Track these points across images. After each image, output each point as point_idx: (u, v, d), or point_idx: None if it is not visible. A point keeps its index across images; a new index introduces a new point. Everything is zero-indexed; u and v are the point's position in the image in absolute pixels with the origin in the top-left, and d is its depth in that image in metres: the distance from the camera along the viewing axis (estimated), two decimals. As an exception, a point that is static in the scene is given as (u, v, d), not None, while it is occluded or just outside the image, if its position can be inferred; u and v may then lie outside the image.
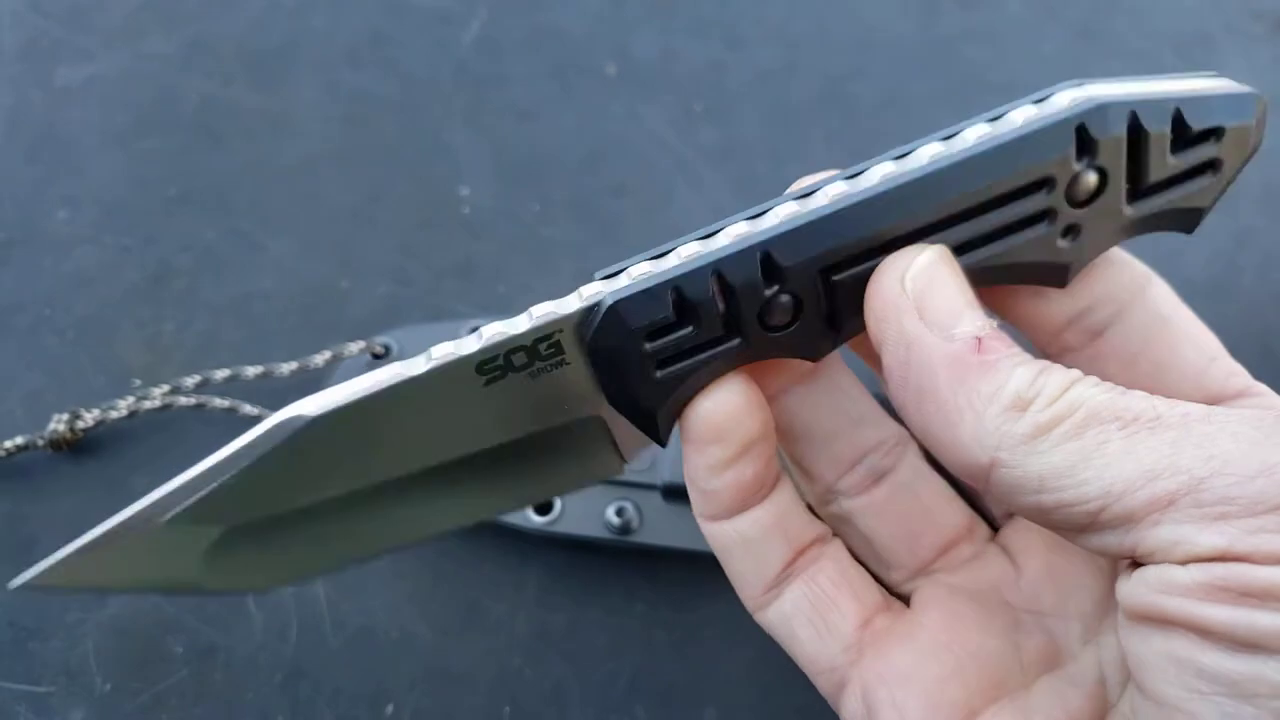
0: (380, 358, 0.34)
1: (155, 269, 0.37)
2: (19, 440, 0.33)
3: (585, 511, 0.31)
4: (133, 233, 0.38)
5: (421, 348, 0.34)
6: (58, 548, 0.33)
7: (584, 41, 0.43)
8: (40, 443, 0.33)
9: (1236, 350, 0.37)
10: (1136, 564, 0.18)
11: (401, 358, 0.34)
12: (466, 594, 0.32)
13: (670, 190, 0.40)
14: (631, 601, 0.32)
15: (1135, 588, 0.18)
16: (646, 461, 0.32)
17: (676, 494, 0.31)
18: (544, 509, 0.32)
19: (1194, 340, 0.23)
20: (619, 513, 0.31)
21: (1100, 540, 0.18)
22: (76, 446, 0.34)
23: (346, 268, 0.37)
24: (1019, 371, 0.19)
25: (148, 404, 0.33)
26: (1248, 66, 0.44)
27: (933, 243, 0.20)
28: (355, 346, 0.34)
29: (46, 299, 0.37)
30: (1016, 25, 0.45)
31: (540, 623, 0.32)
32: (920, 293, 0.20)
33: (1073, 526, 0.18)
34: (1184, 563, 0.17)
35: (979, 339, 0.19)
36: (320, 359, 0.34)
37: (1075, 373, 0.19)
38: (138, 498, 0.33)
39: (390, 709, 0.31)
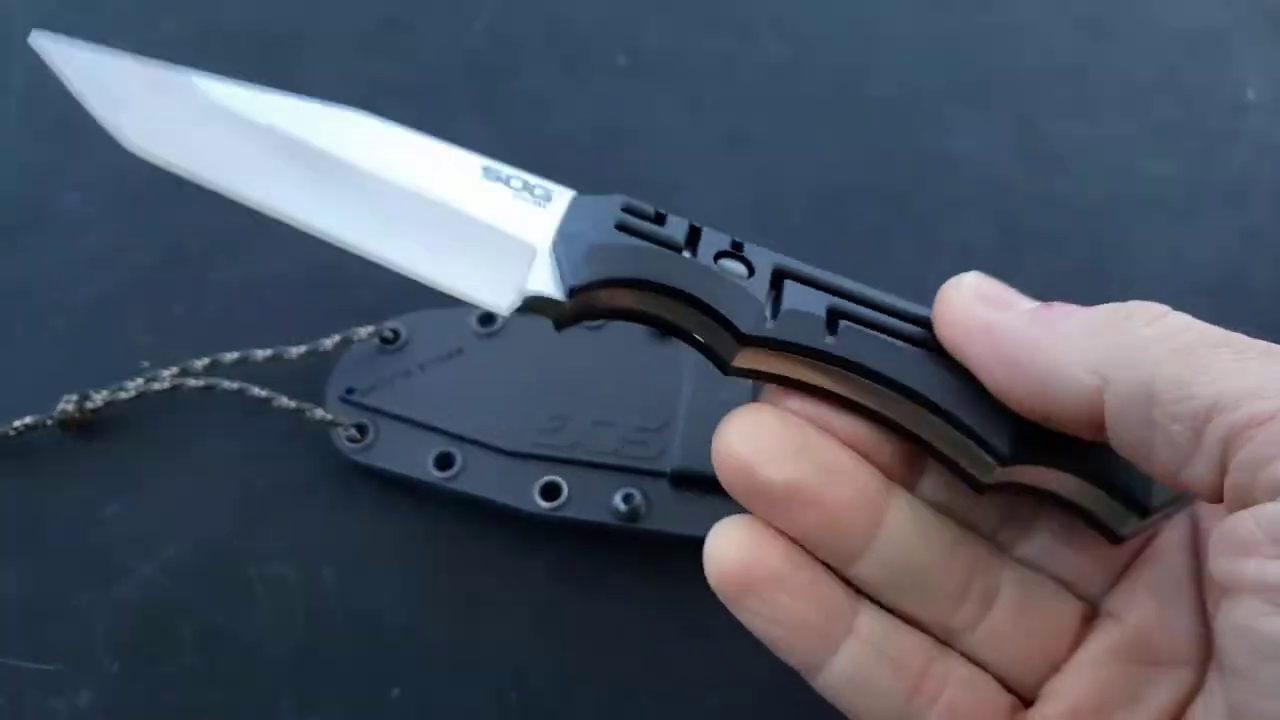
0: (389, 342, 0.34)
1: (165, 252, 0.38)
2: (28, 420, 0.33)
3: (592, 498, 0.32)
4: (143, 216, 0.38)
5: (431, 333, 0.34)
6: (66, 526, 0.33)
7: (595, 32, 0.44)
8: (49, 423, 0.33)
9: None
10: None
11: (411, 342, 0.34)
12: (473, 580, 0.32)
13: (681, 182, 0.40)
14: (638, 589, 0.32)
15: (1225, 535, 0.18)
16: (655, 449, 0.32)
17: (685, 481, 0.31)
18: (551, 494, 0.32)
19: None
20: (626, 499, 0.31)
21: (1199, 471, 0.18)
22: (85, 427, 0.34)
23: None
24: (1103, 306, 0.20)
25: (157, 385, 0.33)
26: (1258, 65, 0.44)
27: None
28: (365, 331, 0.34)
29: (57, 280, 0.37)
30: (1026, 22, 0.45)
31: (546, 609, 0.32)
32: (980, 293, 0.21)
33: (1178, 454, 0.18)
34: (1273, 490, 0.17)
35: (1043, 305, 0.21)
36: (330, 342, 0.34)
37: (1161, 307, 0.20)
38: (146, 478, 0.34)
39: (396, 693, 0.31)
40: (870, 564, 0.22)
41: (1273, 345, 0.18)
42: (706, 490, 0.31)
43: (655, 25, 0.44)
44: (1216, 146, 0.42)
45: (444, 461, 0.32)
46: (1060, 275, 0.39)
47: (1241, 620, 0.17)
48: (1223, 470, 0.18)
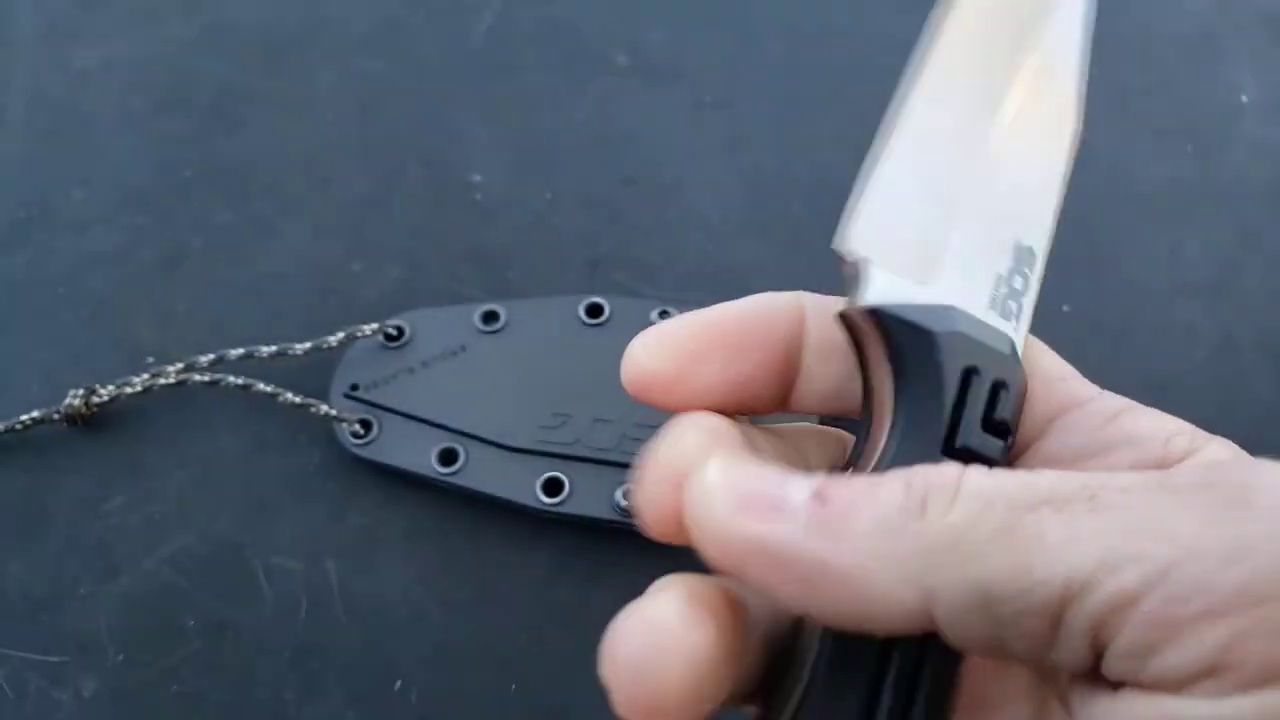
0: (393, 339, 0.35)
1: (170, 249, 0.38)
2: (35, 414, 0.34)
3: (594, 493, 0.32)
4: (148, 213, 0.39)
5: (435, 330, 0.35)
6: (71, 519, 0.33)
7: (596, 32, 0.44)
8: (55, 417, 0.34)
9: (1239, 351, 0.38)
10: (1113, 682, 0.16)
11: (415, 339, 0.34)
12: (475, 573, 0.33)
13: (680, 181, 0.41)
14: (639, 583, 0.32)
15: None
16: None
17: (684, 477, 0.32)
18: (553, 490, 0.32)
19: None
20: (627, 495, 0.32)
21: (1066, 658, 0.15)
22: (91, 421, 0.34)
23: (360, 251, 0.38)
24: (886, 491, 0.16)
25: (163, 380, 0.34)
26: (1254, 69, 0.44)
27: None
28: (369, 328, 0.34)
29: (63, 277, 0.37)
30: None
31: (548, 603, 0.32)
32: (733, 495, 0.17)
33: (1036, 644, 0.15)
34: (1168, 684, 0.15)
35: (816, 494, 0.16)
36: (334, 339, 0.34)
37: (951, 465, 0.16)
38: (151, 472, 0.34)
39: (399, 685, 0.31)
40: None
41: (1093, 483, 0.16)
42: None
43: (656, 25, 0.44)
44: (1211, 150, 0.42)
45: (447, 457, 0.33)
46: (1057, 278, 0.39)
47: None
48: (1095, 653, 0.15)
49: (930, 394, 0.18)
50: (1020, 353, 0.20)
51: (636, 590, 0.33)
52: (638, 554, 0.33)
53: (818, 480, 0.17)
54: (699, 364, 0.20)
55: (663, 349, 0.20)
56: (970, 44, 0.22)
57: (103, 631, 0.32)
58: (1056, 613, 0.15)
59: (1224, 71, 0.45)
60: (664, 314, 0.34)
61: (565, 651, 0.32)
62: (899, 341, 0.19)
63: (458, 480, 0.32)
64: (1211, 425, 0.37)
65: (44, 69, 0.42)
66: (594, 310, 0.35)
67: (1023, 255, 0.21)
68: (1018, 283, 0.20)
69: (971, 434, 0.18)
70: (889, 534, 0.16)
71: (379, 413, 0.33)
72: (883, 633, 0.16)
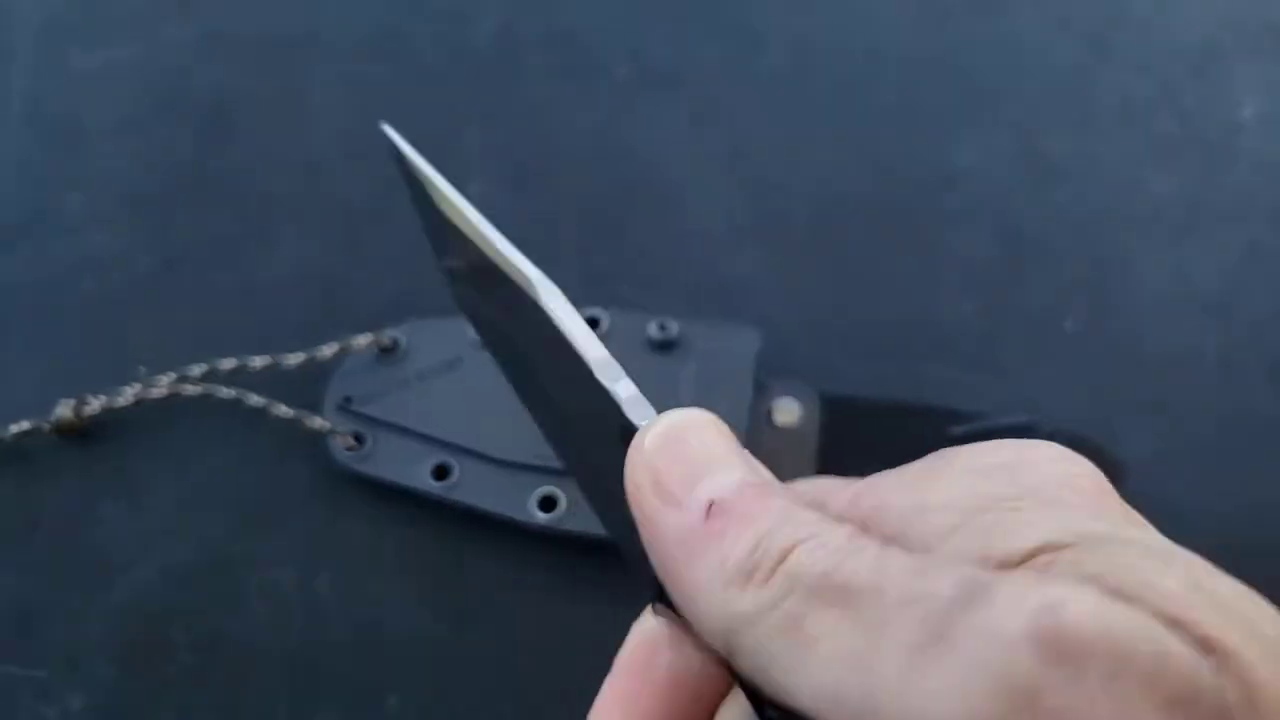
0: (388, 351, 0.34)
1: (166, 256, 0.38)
2: (25, 425, 0.33)
3: (589, 509, 0.31)
4: (144, 219, 0.38)
5: (430, 343, 0.34)
6: (61, 531, 0.33)
7: (598, 42, 0.44)
8: (46, 428, 0.33)
9: (1242, 367, 0.38)
10: None
11: (410, 352, 0.34)
12: (471, 589, 0.32)
13: (681, 192, 0.40)
14: (635, 601, 0.32)
15: None
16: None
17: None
18: (548, 506, 0.32)
19: None
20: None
21: None
22: (82, 432, 0.34)
23: (356, 261, 0.38)
24: (744, 538, 0.15)
25: (154, 392, 0.33)
26: (1258, 80, 0.44)
27: None
28: (363, 340, 0.34)
29: (56, 283, 0.37)
30: (1027, 35, 0.46)
31: (544, 619, 0.32)
32: (651, 464, 0.17)
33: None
34: None
35: (710, 504, 0.16)
36: (328, 350, 0.34)
37: (810, 528, 0.15)
38: (141, 484, 0.34)
39: (393, 700, 0.31)
40: None
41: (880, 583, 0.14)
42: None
43: (658, 35, 0.44)
44: (1215, 163, 0.42)
45: (441, 471, 0.32)
46: (1060, 290, 0.39)
47: None
48: None
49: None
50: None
51: (630, 608, 0.33)
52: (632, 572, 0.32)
53: (737, 482, 0.16)
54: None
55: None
56: None
57: (93, 645, 0.31)
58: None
59: (1228, 86, 0.44)
60: (662, 327, 0.34)
61: (559, 667, 0.31)
62: None
63: (451, 495, 0.32)
64: (1213, 443, 0.37)
65: (42, 73, 0.42)
66: (590, 323, 0.34)
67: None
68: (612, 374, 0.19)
69: None
70: (717, 577, 0.15)
71: (372, 426, 0.33)
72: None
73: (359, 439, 0.33)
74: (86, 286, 0.37)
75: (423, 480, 0.32)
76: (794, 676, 0.14)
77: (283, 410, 0.33)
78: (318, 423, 0.33)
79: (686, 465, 0.17)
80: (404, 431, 0.33)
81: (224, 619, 0.32)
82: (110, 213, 0.38)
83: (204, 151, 0.40)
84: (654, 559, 0.17)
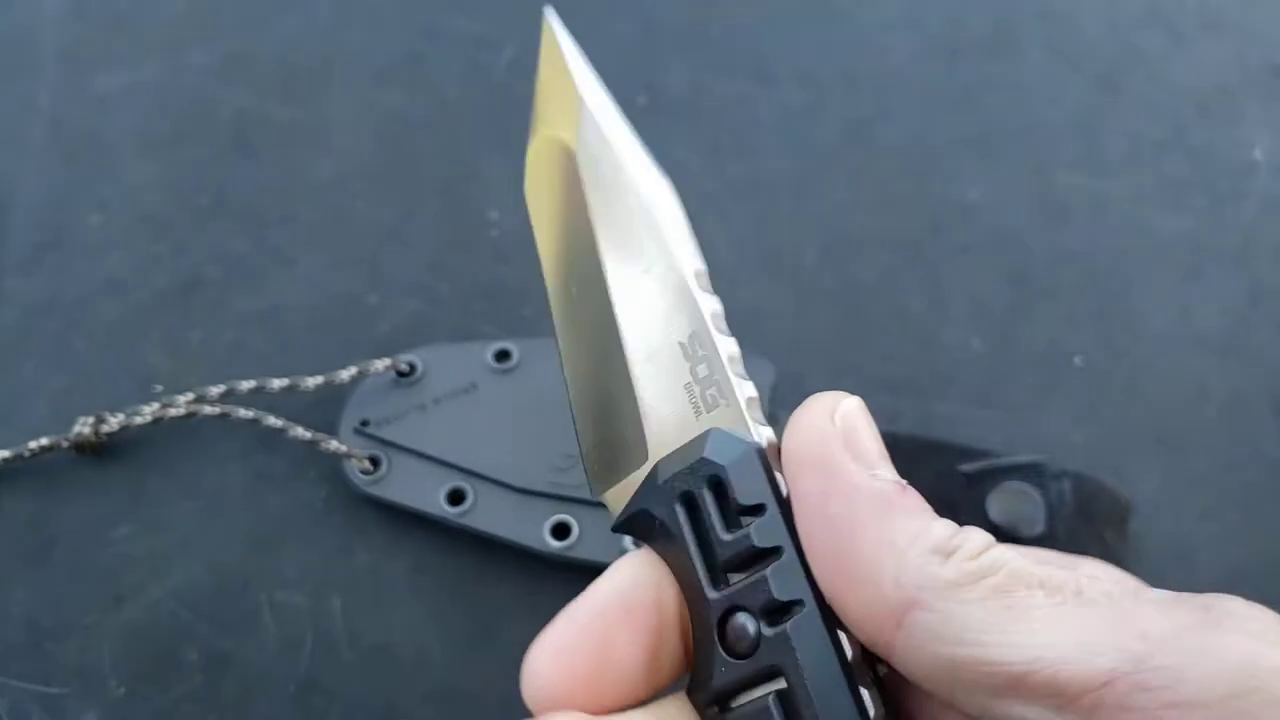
0: (404, 375, 0.35)
1: (185, 277, 0.38)
2: (44, 441, 0.34)
3: (602, 538, 0.32)
4: (164, 240, 0.39)
5: (447, 367, 0.35)
6: (76, 548, 0.33)
7: (615, 72, 0.44)
8: (64, 444, 0.34)
9: (1248, 406, 0.38)
10: None
11: (427, 376, 0.34)
12: (482, 614, 0.32)
13: (697, 222, 0.40)
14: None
15: None
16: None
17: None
18: (562, 533, 0.32)
19: None
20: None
21: (1017, 710, 0.17)
22: (100, 450, 0.34)
23: (375, 284, 0.38)
24: (940, 523, 0.18)
25: (173, 411, 0.34)
26: (1266, 123, 0.45)
27: None
28: (381, 364, 0.34)
29: (77, 302, 0.37)
30: (1037, 75, 0.46)
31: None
32: (849, 429, 0.19)
33: (986, 688, 0.17)
34: None
35: (901, 485, 0.19)
36: (346, 374, 0.34)
37: (989, 536, 0.18)
38: (158, 502, 0.34)
39: (401, 726, 0.31)
40: None
41: (1083, 581, 0.17)
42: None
43: (675, 67, 0.44)
44: (1225, 204, 0.43)
45: (455, 497, 0.32)
46: (1069, 327, 0.39)
47: None
48: None
49: (674, 550, 0.20)
50: (737, 427, 0.21)
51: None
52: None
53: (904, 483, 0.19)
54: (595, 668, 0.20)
55: (560, 654, 0.20)
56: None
57: (105, 663, 0.32)
58: (1020, 673, 0.16)
59: (1238, 127, 0.45)
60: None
61: (569, 696, 0.31)
62: (640, 536, 0.22)
63: (465, 521, 0.32)
64: (1219, 481, 0.37)
65: (66, 95, 0.42)
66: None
67: (691, 347, 0.22)
68: (703, 371, 0.21)
69: (723, 545, 0.20)
70: (917, 542, 0.18)
71: (388, 449, 0.33)
72: (851, 617, 0.18)
73: (374, 462, 0.33)
74: (108, 307, 0.37)
75: (437, 505, 0.32)
76: (997, 634, 0.17)
77: (300, 432, 0.33)
78: (334, 445, 0.33)
79: (871, 444, 0.19)
80: (419, 456, 0.33)
81: (236, 639, 0.32)
82: (131, 233, 0.39)
83: (225, 174, 0.40)
84: (825, 508, 0.18)
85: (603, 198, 0.24)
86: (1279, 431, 0.37)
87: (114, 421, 0.34)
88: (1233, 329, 0.39)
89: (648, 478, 0.21)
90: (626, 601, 0.20)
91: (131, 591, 0.33)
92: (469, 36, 0.44)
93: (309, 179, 0.40)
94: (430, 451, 0.33)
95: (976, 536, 0.18)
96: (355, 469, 0.33)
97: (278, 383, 0.34)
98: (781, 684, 0.19)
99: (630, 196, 0.23)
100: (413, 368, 0.35)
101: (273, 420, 0.33)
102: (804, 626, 0.19)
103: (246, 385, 0.34)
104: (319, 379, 0.34)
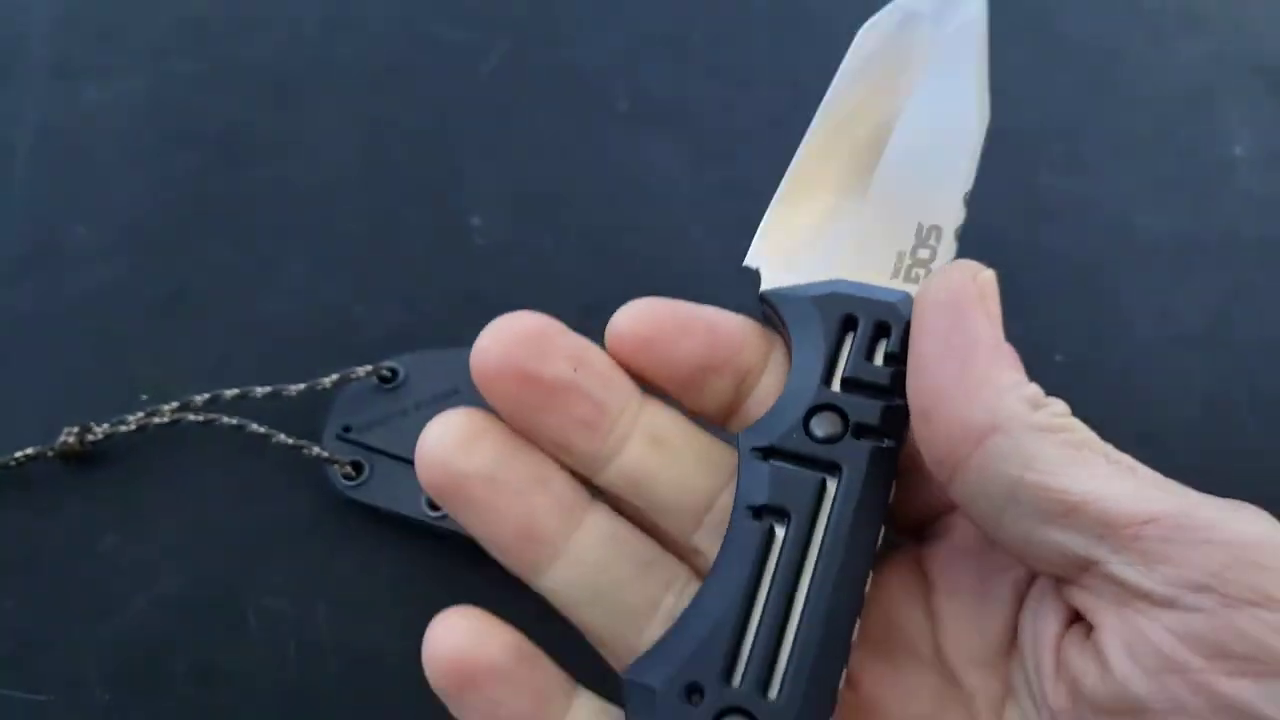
0: (387, 381, 0.35)
1: (171, 287, 0.38)
2: (29, 450, 0.34)
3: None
4: (150, 251, 0.39)
5: (429, 373, 0.35)
6: (62, 557, 0.33)
7: (599, 78, 0.44)
8: (50, 454, 0.34)
9: (1229, 399, 0.38)
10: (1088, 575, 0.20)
11: (409, 383, 0.35)
12: (465, 618, 0.32)
13: (682, 226, 0.41)
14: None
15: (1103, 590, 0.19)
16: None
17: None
18: (544, 536, 0.32)
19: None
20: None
21: (1061, 537, 0.19)
22: (85, 459, 0.34)
23: (359, 292, 0.38)
24: (1035, 386, 0.21)
25: (157, 419, 0.34)
26: (1247, 121, 0.45)
27: None
28: (363, 370, 0.34)
29: (63, 313, 0.37)
30: (1022, 76, 0.46)
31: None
32: (985, 288, 0.22)
33: (1039, 513, 0.19)
34: (1155, 597, 0.18)
35: (1012, 349, 0.21)
36: (328, 380, 0.34)
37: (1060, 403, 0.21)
38: (144, 511, 0.34)
39: (386, 730, 0.31)
40: (560, 574, 0.24)
41: (1136, 465, 0.20)
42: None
43: (658, 71, 0.45)
44: (1205, 203, 0.43)
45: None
46: (1051, 325, 0.39)
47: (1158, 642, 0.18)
48: (1082, 565, 0.19)
49: (811, 341, 0.23)
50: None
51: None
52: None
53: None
54: (673, 340, 0.24)
55: (643, 315, 0.24)
56: (869, 68, 0.27)
57: (91, 672, 0.32)
58: (1076, 502, 0.19)
59: (1218, 124, 0.45)
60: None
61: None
62: (783, 312, 0.24)
63: (448, 524, 0.32)
64: (1202, 477, 0.37)
65: (53, 104, 0.42)
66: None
67: (928, 233, 0.24)
68: (924, 254, 0.24)
69: (857, 366, 0.23)
70: (1016, 388, 0.20)
71: (371, 455, 0.33)
72: (934, 434, 0.21)
73: (357, 468, 0.33)
74: (94, 317, 0.37)
75: (419, 509, 0.33)
76: (1063, 469, 0.19)
77: (284, 439, 0.33)
78: (317, 451, 0.33)
79: (999, 308, 0.22)
80: (402, 461, 0.33)
81: (222, 646, 0.32)
82: (116, 244, 0.39)
83: (210, 183, 0.41)
84: (949, 337, 0.21)
85: (933, 84, 0.26)
86: (1260, 427, 0.37)
87: (99, 431, 0.34)
88: (1215, 326, 0.40)
89: (826, 286, 0.24)
90: (718, 321, 0.24)
91: (117, 601, 0.33)
92: (453, 45, 0.45)
93: (294, 188, 0.41)
94: (413, 456, 0.33)
95: (1062, 404, 0.21)
96: (338, 475, 0.33)
97: (261, 390, 0.34)
98: (830, 480, 0.22)
99: (961, 101, 0.26)
100: (395, 373, 0.35)
101: (256, 427, 0.34)
102: (882, 455, 0.22)
103: (230, 393, 0.34)
104: (301, 386, 0.34)
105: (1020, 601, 0.22)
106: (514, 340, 0.23)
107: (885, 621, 0.23)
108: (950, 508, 0.24)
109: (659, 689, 0.21)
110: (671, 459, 0.24)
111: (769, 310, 0.25)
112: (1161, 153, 0.44)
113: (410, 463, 0.33)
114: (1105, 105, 0.46)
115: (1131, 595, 0.19)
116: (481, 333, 0.24)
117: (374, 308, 0.38)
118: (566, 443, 0.24)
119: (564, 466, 0.24)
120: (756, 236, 0.26)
